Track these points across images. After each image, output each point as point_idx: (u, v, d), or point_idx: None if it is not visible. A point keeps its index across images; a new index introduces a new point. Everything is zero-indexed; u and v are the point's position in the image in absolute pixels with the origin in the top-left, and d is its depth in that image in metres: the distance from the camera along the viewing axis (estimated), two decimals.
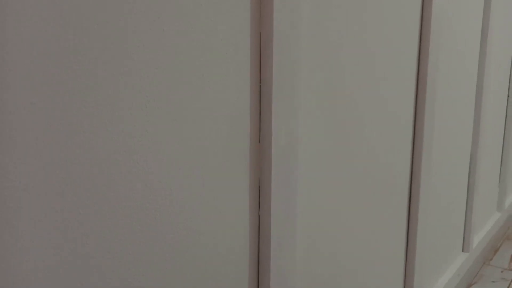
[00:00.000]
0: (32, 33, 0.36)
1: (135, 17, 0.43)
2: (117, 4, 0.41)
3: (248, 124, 0.57)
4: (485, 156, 1.70)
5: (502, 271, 1.69)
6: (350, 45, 0.76)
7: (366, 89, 0.83)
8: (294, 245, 0.65)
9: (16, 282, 0.37)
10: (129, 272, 0.46)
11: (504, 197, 2.02)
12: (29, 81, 0.36)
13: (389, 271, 1.04)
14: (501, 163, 2.00)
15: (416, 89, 1.05)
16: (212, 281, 0.55)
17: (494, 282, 1.61)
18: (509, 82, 1.96)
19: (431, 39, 1.03)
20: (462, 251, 1.58)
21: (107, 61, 0.41)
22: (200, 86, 0.50)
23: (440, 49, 1.10)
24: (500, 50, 1.72)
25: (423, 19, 1.03)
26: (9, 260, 0.36)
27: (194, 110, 0.50)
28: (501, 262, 1.77)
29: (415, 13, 1.00)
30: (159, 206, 0.48)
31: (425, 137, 1.07)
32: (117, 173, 0.44)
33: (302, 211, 0.69)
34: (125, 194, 0.44)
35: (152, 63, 0.45)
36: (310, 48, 0.66)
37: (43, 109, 0.37)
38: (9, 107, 0.35)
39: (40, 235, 0.38)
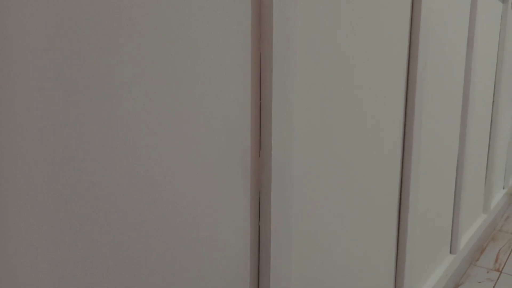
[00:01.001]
0: (34, 36, 0.38)
1: (142, 45, 0.46)
2: (127, 14, 0.44)
3: (249, 139, 0.60)
4: (472, 159, 1.75)
5: (487, 272, 1.74)
6: (344, 61, 0.79)
7: (359, 100, 0.86)
8: (291, 252, 0.69)
9: (16, 282, 0.38)
10: (129, 274, 0.49)
11: (490, 199, 2.07)
12: (29, 83, 0.37)
13: (380, 272, 1.08)
14: (486, 165, 2.06)
15: (405, 95, 1.09)
16: (215, 285, 0.58)
17: (480, 282, 1.65)
18: (494, 88, 2.01)
19: (420, 48, 1.07)
20: (450, 252, 1.62)
21: (112, 72, 0.44)
22: (204, 104, 0.53)
23: (428, 57, 1.14)
24: (485, 58, 1.77)
25: (412, 30, 1.07)
26: (9, 260, 0.37)
27: (198, 125, 0.53)
28: (487, 263, 1.81)
29: (404, 24, 1.03)
30: (164, 217, 0.51)
31: (414, 142, 1.11)
32: (119, 178, 0.46)
33: (297, 217, 0.72)
34: (125, 199, 0.47)
35: (156, 82, 0.48)
36: (307, 67, 0.69)
37: (44, 111, 0.39)
38: (10, 109, 0.36)
39: (40, 235, 0.39)
